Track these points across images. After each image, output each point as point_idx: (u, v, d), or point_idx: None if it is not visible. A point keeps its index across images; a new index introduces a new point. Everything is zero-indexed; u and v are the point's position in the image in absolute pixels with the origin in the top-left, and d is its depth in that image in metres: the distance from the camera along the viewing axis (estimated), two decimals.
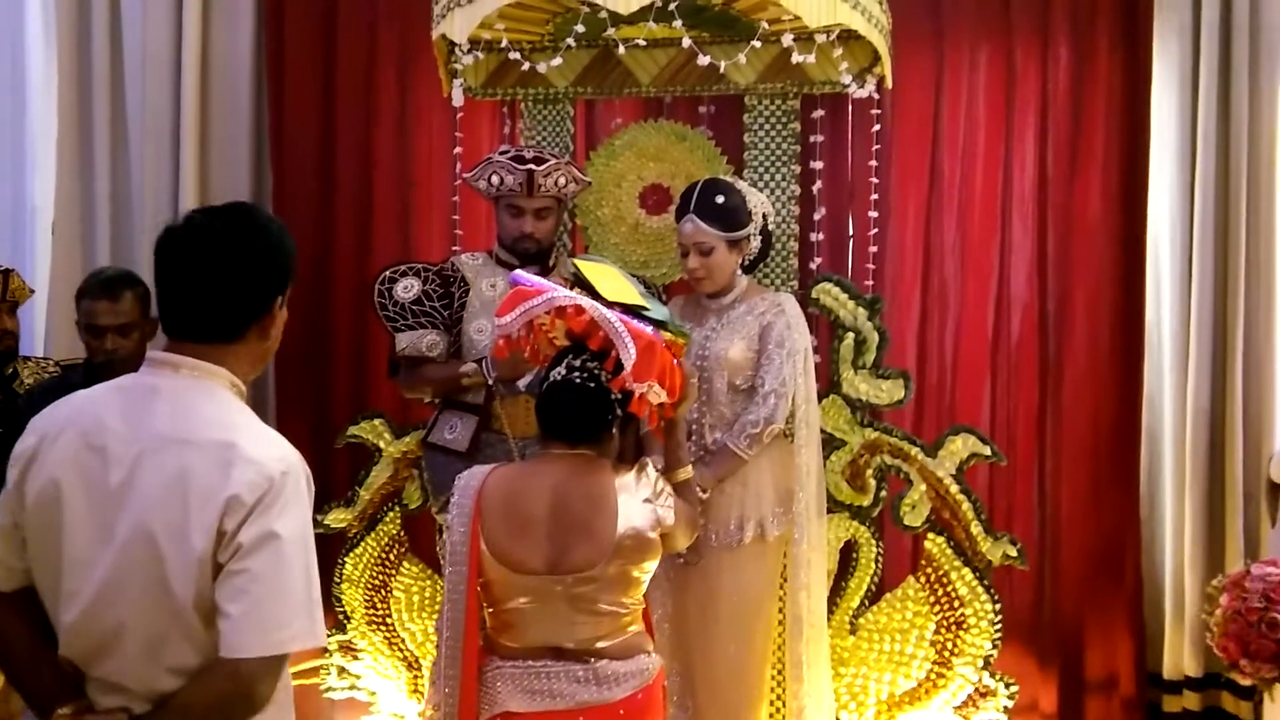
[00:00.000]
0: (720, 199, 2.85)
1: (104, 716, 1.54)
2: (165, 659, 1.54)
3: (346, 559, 3.32)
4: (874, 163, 3.26)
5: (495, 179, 2.96)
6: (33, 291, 3.37)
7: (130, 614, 1.53)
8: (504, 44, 3.08)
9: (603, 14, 2.87)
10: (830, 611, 3.08)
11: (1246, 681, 2.98)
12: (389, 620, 3.33)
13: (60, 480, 1.55)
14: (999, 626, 3.09)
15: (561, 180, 2.99)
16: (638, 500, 2.21)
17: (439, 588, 3.27)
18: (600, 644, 2.19)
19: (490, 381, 2.90)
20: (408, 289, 3.01)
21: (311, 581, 1.56)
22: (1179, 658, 3.34)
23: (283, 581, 1.52)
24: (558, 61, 3.03)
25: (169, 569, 1.51)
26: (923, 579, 3.16)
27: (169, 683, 1.55)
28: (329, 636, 3.33)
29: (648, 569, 2.24)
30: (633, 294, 2.43)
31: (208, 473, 1.52)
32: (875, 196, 3.26)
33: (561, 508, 2.19)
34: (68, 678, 1.57)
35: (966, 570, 3.11)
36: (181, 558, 1.51)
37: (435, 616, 3.23)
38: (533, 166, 2.93)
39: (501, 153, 3.02)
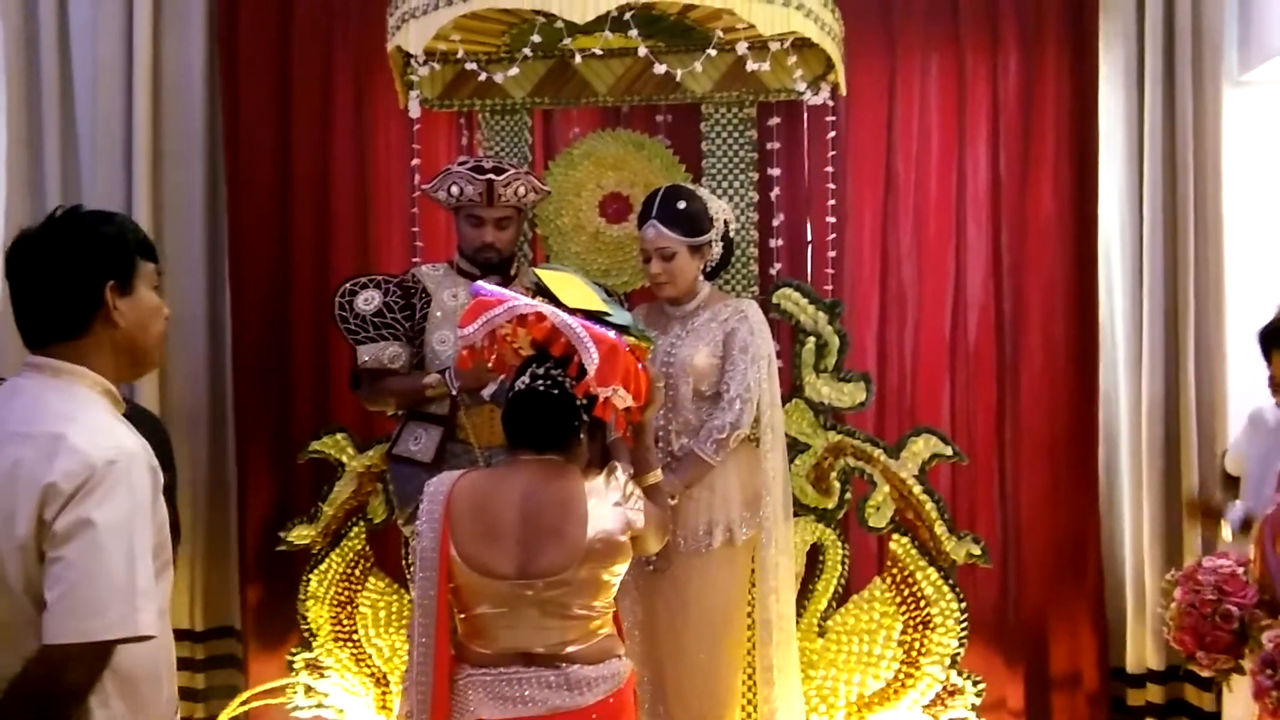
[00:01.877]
0: (682, 204, 2.87)
1: None
2: (20, 649, 1.57)
3: (311, 575, 3.28)
4: (830, 169, 3.29)
5: (455, 189, 2.95)
6: None
7: None
8: (460, 55, 3.08)
9: (559, 24, 2.88)
10: (798, 614, 3.10)
11: (1205, 673, 3.02)
12: (355, 636, 3.30)
13: None
14: (965, 625, 3.13)
15: (521, 190, 2.99)
16: (607, 504, 2.21)
17: (406, 602, 3.25)
18: (571, 648, 2.19)
19: (454, 392, 2.89)
20: (368, 301, 3.00)
21: (135, 571, 1.57)
22: (1141, 651, 3.38)
23: (98, 569, 1.54)
24: (514, 72, 3.03)
25: (3, 559, 1.56)
26: (889, 580, 3.19)
27: None
28: (294, 655, 3.30)
29: (618, 572, 2.24)
30: (595, 300, 2.44)
31: (35, 463, 1.57)
32: (833, 202, 3.30)
33: (531, 512, 2.18)
34: None
35: (931, 570, 3.14)
36: (10, 546, 1.56)
37: (403, 631, 3.20)
38: (492, 176, 2.93)
39: (460, 163, 3.01)
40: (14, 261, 1.70)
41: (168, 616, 1.75)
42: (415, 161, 3.33)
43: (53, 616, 1.52)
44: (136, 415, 2.70)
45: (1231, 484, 3.12)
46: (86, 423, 1.62)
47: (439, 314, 3.00)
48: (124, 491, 1.58)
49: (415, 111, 3.14)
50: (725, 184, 3.26)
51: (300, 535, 3.28)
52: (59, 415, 1.61)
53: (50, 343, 1.68)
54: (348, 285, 3.05)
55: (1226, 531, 3.03)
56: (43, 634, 1.53)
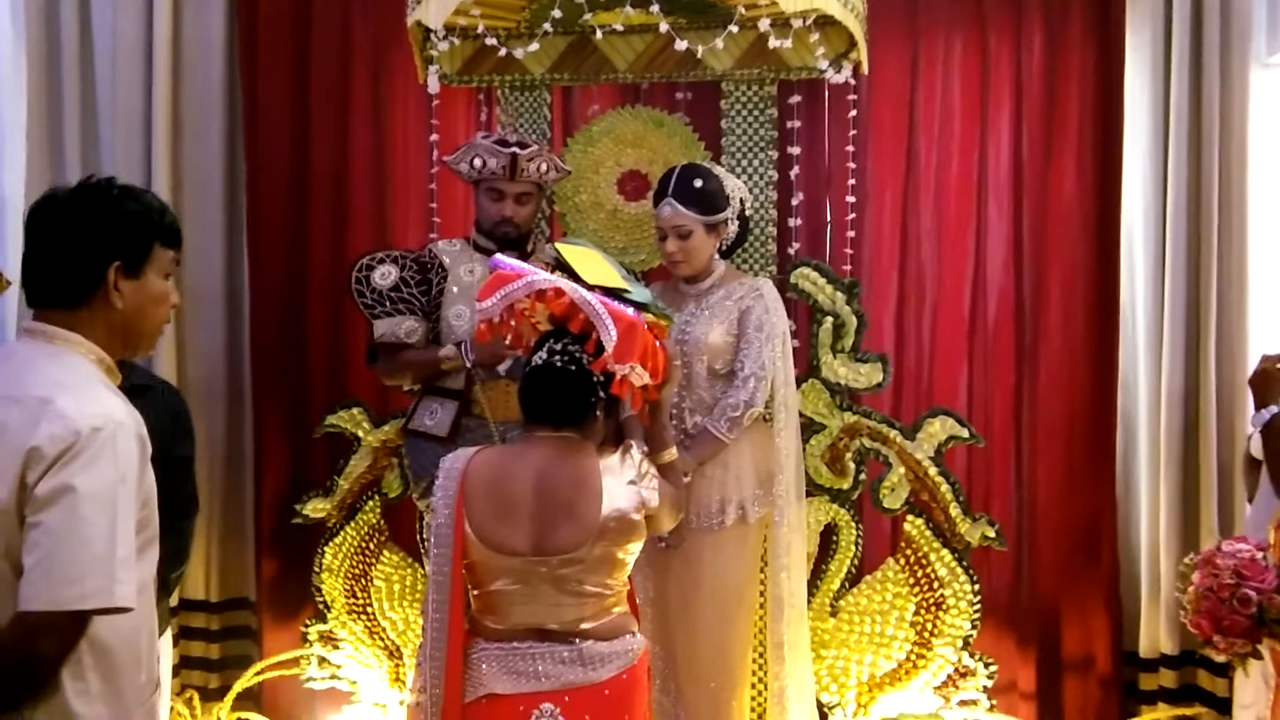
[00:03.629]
0: (698, 183, 2.86)
1: None
2: (4, 614, 1.54)
3: (326, 549, 3.30)
4: (851, 148, 3.27)
5: (478, 162, 2.95)
6: (9, 283, 3.32)
7: None
8: (480, 30, 3.07)
9: (579, 0, 2.87)
10: (811, 594, 3.10)
11: (1221, 658, 3.00)
12: (369, 609, 3.32)
13: None
14: (978, 607, 3.12)
15: (544, 167, 2.99)
16: (622, 482, 2.22)
17: (420, 576, 3.27)
18: (584, 625, 2.19)
19: (469, 364, 2.89)
20: (385, 276, 3.00)
21: (116, 541, 1.54)
22: (1155, 636, 3.37)
23: (77, 537, 1.51)
24: (534, 47, 3.02)
25: None
26: (902, 561, 3.19)
27: None
28: (309, 627, 3.33)
29: (632, 550, 2.25)
30: (614, 277, 2.43)
31: (21, 427, 1.54)
32: (853, 182, 3.28)
33: (546, 489, 2.19)
34: None
35: (945, 552, 3.14)
36: None
37: (416, 605, 3.22)
38: (516, 150, 2.94)
39: (484, 137, 3.02)
40: (34, 218, 1.69)
41: (151, 593, 1.72)
42: (434, 137, 3.33)
43: (29, 583, 1.50)
44: (156, 387, 2.73)
45: (1256, 467, 3.10)
46: (76, 389, 1.59)
47: (455, 289, 3.01)
48: (108, 460, 1.55)
49: (434, 87, 3.14)
50: (745, 162, 3.24)
51: (315, 508, 3.30)
52: (49, 381, 1.59)
53: (48, 306, 1.68)
54: (364, 260, 3.05)
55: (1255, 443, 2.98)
56: (20, 600, 1.50)
